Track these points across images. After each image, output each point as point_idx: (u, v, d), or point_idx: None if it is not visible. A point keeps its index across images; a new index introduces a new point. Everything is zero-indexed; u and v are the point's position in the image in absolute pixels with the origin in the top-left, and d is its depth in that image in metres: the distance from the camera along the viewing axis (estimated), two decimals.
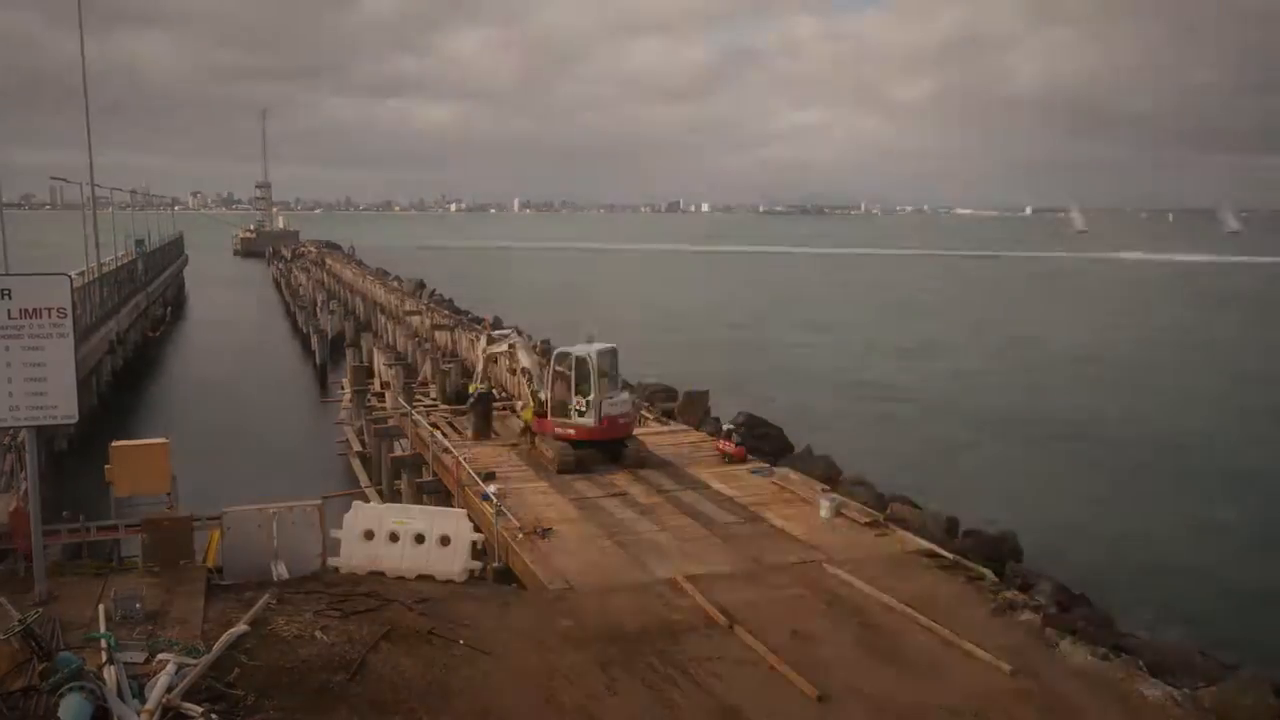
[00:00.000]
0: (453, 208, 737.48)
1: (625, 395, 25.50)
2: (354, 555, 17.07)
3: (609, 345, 25.05)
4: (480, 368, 28.81)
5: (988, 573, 17.67)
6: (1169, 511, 30.06)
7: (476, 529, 17.86)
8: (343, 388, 38.76)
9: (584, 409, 23.96)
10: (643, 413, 29.79)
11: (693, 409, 32.47)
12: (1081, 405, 46.32)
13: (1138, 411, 45.57)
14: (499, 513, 19.30)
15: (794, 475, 23.59)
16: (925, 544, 18.88)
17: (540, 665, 13.40)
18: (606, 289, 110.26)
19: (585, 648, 14.03)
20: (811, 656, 13.85)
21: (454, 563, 16.91)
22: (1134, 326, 77.81)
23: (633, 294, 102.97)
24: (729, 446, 25.45)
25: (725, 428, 27.42)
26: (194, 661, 12.28)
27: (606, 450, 24.38)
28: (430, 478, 24.95)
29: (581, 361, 24.09)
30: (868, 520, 20.17)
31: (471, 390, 28.17)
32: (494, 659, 13.44)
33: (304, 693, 12.08)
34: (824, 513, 20.37)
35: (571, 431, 24.10)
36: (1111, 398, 48.40)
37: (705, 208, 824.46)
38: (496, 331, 30.99)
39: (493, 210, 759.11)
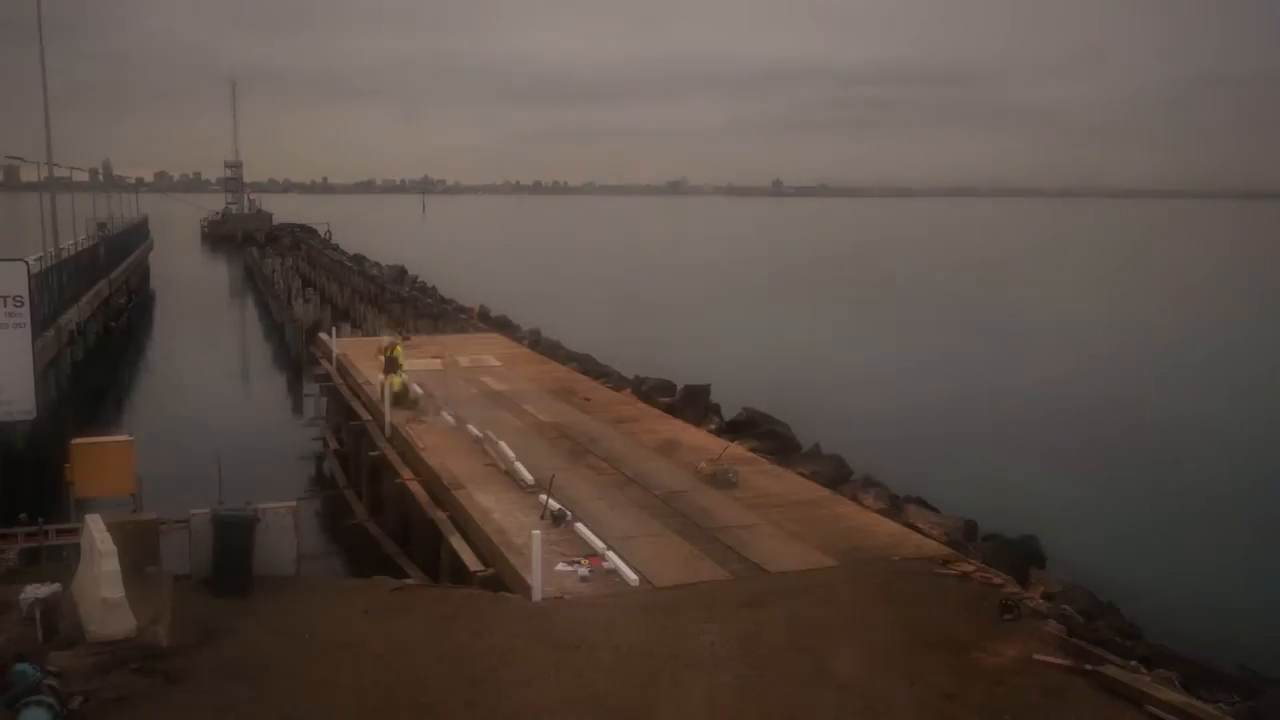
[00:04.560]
0: None
1: None
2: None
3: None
4: None
5: (1008, 579, 17.65)
6: (1207, 511, 29.77)
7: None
8: (315, 380, 38.64)
9: None
10: None
11: (693, 404, 32.46)
12: (1107, 390, 46.27)
13: (1174, 394, 45.35)
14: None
15: None
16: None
17: None
18: None
19: None
20: None
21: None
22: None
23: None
24: None
25: None
26: None
27: None
28: None
29: None
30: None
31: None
32: None
33: None
34: None
35: None
36: (1140, 377, 48.17)
37: None
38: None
39: None
